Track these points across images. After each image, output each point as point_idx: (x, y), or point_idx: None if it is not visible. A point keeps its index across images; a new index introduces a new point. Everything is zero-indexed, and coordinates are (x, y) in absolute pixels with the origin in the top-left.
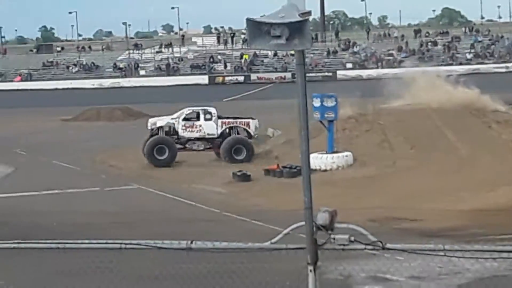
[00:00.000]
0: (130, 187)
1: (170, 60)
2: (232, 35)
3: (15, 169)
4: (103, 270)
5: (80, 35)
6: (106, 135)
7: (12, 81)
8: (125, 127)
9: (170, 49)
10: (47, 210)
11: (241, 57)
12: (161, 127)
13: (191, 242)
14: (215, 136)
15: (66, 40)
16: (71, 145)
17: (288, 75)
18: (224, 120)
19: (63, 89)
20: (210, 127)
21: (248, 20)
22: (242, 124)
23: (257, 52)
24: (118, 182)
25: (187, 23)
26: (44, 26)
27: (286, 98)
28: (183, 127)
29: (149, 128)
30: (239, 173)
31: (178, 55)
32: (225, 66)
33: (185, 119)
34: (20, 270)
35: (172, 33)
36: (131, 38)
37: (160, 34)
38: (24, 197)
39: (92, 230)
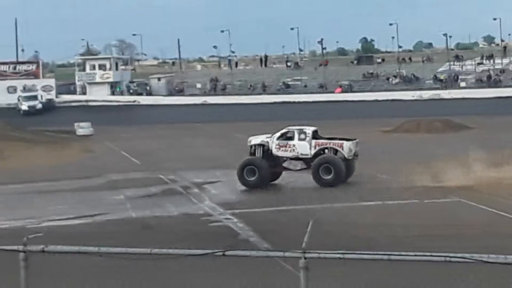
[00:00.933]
0: (450, 199)
1: (491, 72)
2: None
3: None
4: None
5: (400, 47)
6: (425, 147)
7: (332, 92)
8: (445, 139)
9: (491, 60)
10: (370, 222)
11: None
12: (260, 145)
13: None
14: (309, 156)
15: (386, 52)
16: (390, 157)
17: None
18: (317, 141)
19: (383, 100)
20: (303, 147)
21: None
22: (335, 145)
23: None
24: (437, 194)
25: (509, 34)
26: (365, 38)
27: None
28: (277, 146)
29: (248, 145)
30: None
31: (500, 66)
32: None
33: (279, 138)
34: (338, 280)
35: (493, 45)
36: (452, 49)
37: (480, 46)
38: (344, 208)
39: (414, 242)
